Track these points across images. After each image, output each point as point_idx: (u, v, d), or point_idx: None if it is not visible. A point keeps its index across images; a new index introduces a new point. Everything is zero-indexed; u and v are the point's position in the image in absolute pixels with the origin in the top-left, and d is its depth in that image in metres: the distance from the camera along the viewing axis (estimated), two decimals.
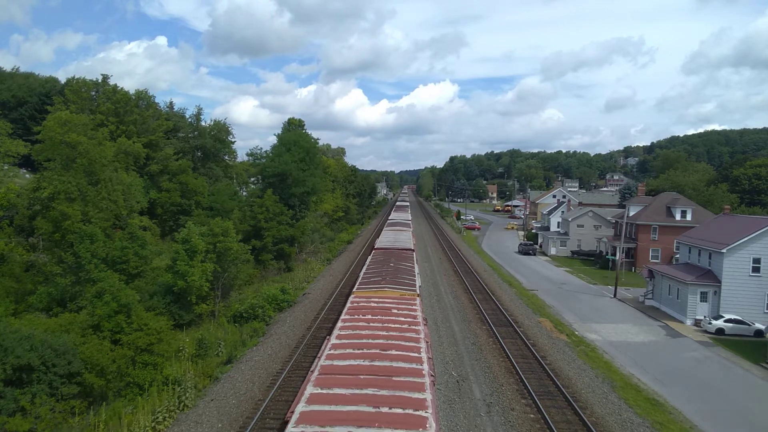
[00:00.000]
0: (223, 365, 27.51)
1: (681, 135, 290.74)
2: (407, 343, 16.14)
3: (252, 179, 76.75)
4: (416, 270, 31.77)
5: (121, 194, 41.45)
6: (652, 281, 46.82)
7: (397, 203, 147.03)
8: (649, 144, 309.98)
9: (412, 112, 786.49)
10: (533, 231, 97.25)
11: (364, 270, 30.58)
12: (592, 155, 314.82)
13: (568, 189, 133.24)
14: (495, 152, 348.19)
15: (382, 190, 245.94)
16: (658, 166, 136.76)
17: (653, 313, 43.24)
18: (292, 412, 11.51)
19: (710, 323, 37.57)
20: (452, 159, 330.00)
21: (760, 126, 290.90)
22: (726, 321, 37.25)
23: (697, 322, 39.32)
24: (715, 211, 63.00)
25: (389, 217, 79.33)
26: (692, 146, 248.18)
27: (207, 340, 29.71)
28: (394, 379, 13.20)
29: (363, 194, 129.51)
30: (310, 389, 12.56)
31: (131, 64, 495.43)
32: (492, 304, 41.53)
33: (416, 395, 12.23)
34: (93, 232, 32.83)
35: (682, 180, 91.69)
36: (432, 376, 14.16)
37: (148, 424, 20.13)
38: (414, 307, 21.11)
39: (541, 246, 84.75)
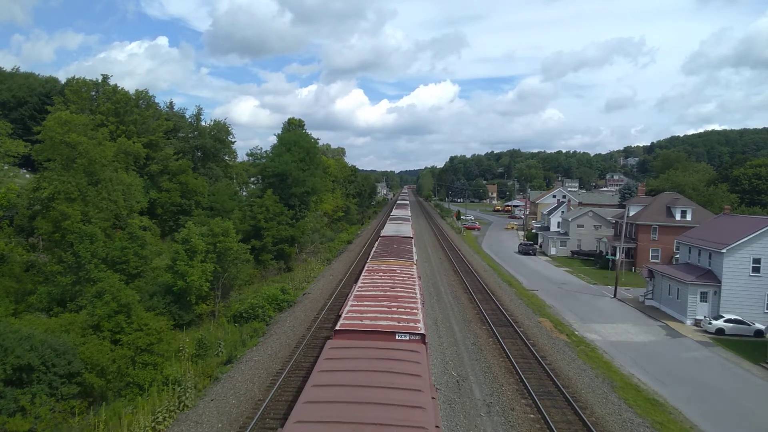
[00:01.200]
0: (223, 365, 27.49)
1: (681, 135, 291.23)
2: (407, 286, 25.31)
3: (252, 179, 76.69)
4: (414, 250, 41.00)
5: (121, 194, 41.42)
6: (652, 281, 46.81)
7: (398, 202, 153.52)
8: (649, 144, 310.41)
9: (413, 112, 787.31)
10: (533, 231, 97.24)
11: (374, 250, 39.79)
12: (592, 155, 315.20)
13: (568, 189, 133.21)
14: (495, 152, 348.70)
15: (382, 190, 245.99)
16: (658, 166, 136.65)
17: (653, 313, 43.23)
18: (342, 310, 20.10)
19: (710, 323, 37.57)
20: (452, 159, 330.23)
21: (760, 126, 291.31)
22: (726, 321, 37.24)
23: (697, 322, 39.32)
24: (715, 211, 63.00)
25: (391, 213, 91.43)
26: (692, 146, 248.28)
27: (207, 340, 29.69)
28: (398, 299, 22.19)
29: (363, 194, 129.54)
30: (350, 302, 21.48)
31: (132, 65, 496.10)
32: (492, 304, 41.52)
33: (412, 304, 21.30)
34: (93, 232, 32.80)
35: (682, 180, 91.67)
36: (422, 301, 23.52)
37: (148, 424, 20.12)
38: (411, 269, 30.63)
39: (541, 246, 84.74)
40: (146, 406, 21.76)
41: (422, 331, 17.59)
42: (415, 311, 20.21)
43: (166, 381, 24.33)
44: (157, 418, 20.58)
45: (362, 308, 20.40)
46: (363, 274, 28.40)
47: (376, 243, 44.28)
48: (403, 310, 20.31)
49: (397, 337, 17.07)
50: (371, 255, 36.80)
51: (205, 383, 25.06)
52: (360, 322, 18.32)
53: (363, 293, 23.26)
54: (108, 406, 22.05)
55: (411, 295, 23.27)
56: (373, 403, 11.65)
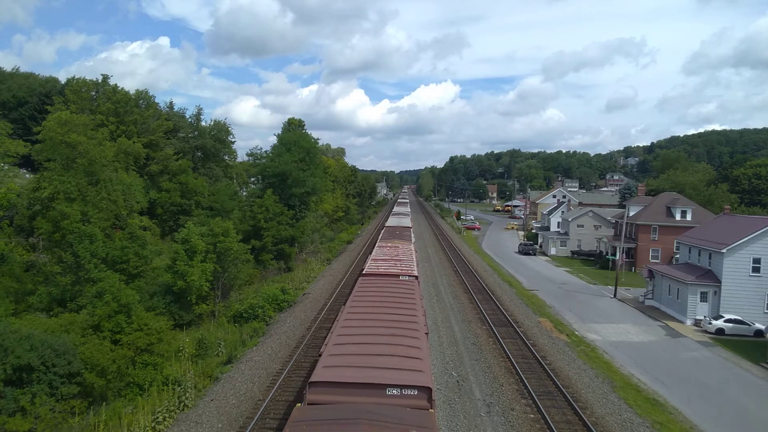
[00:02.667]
0: (223, 365, 27.49)
1: (681, 135, 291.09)
2: (407, 254, 36.09)
3: (252, 179, 76.67)
4: (412, 235, 53.64)
5: (121, 194, 41.38)
6: (652, 281, 46.81)
7: (399, 201, 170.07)
8: (649, 144, 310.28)
9: (413, 113, 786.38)
10: (533, 231, 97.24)
11: (381, 235, 51.95)
12: (592, 155, 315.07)
13: (568, 189, 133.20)
14: (495, 152, 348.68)
15: (382, 190, 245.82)
16: (658, 166, 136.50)
17: (653, 313, 43.23)
18: (365, 266, 28.86)
19: (710, 323, 37.57)
20: (452, 159, 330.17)
21: (760, 126, 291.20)
22: (726, 321, 37.24)
23: (697, 322, 39.32)
24: (715, 211, 62.98)
25: (393, 210, 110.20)
26: (692, 146, 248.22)
27: (207, 340, 29.67)
28: (401, 260, 32.52)
29: (363, 194, 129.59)
30: (369, 261, 31.13)
31: (133, 65, 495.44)
32: (492, 304, 41.51)
33: (410, 263, 31.47)
34: (92, 232, 32.79)
35: (682, 180, 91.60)
36: (417, 261, 34.40)
37: (148, 424, 20.11)
38: (410, 245, 41.91)
39: (541, 246, 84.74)
40: (146, 406, 21.75)
41: (416, 274, 28.39)
42: (413, 266, 31.08)
43: (166, 381, 24.30)
44: (157, 418, 20.57)
45: (378, 264, 30.87)
46: (375, 249, 40.05)
47: (383, 231, 56.73)
48: (404, 265, 30.89)
49: (400, 278, 26.71)
50: (379, 238, 48.88)
51: (205, 383, 25.05)
52: (377, 270, 28.82)
53: (377, 258, 33.78)
54: (108, 406, 22.02)
55: (409, 258, 34.16)
56: (390, 305, 20.88)
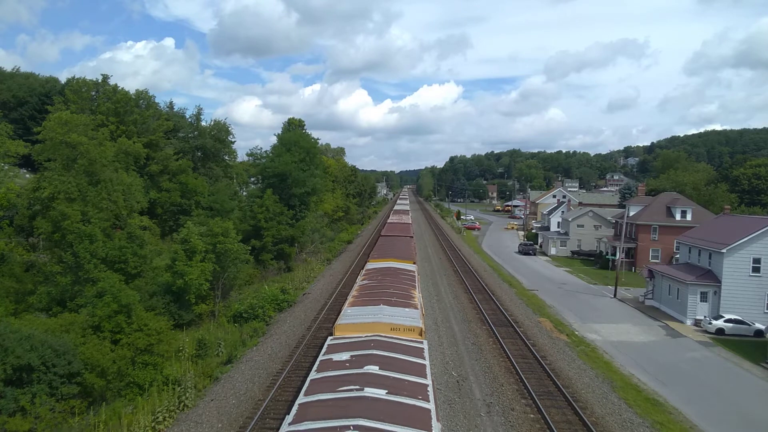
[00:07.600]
0: (223, 365, 27.50)
1: (681, 135, 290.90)
2: (407, 221, 68.93)
3: (252, 179, 76.69)
4: (410, 213, 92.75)
5: (121, 194, 41.38)
6: (652, 281, 46.80)
7: (400, 197, 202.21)
8: (649, 144, 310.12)
9: (415, 113, 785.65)
10: (533, 231, 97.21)
11: (392, 212, 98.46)
12: (592, 155, 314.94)
13: (568, 189, 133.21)
14: (495, 152, 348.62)
15: (382, 191, 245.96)
16: (659, 166, 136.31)
17: (653, 313, 43.23)
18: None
19: (710, 323, 37.56)
20: (452, 159, 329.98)
21: (760, 126, 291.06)
22: (726, 321, 37.23)
23: (697, 322, 39.31)
24: (715, 211, 62.96)
25: (397, 202, 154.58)
26: (692, 146, 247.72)
27: (207, 340, 29.68)
28: (403, 222, 65.86)
29: (363, 194, 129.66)
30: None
31: (136, 66, 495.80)
32: (492, 304, 41.50)
33: (408, 248, 42.33)
34: (92, 232, 32.79)
35: (683, 180, 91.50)
36: (412, 222, 73.42)
37: (148, 424, 20.12)
38: (408, 216, 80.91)
39: (541, 246, 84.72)
40: (146, 406, 21.76)
41: (410, 222, 69.65)
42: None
43: (166, 381, 24.33)
44: (157, 418, 20.58)
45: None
46: (389, 218, 73.15)
47: (392, 211, 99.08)
48: (405, 225, 61.08)
49: (403, 222, 66.04)
50: (391, 213, 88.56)
51: (205, 383, 25.07)
52: (393, 221, 67.13)
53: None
54: (108, 406, 22.05)
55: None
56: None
